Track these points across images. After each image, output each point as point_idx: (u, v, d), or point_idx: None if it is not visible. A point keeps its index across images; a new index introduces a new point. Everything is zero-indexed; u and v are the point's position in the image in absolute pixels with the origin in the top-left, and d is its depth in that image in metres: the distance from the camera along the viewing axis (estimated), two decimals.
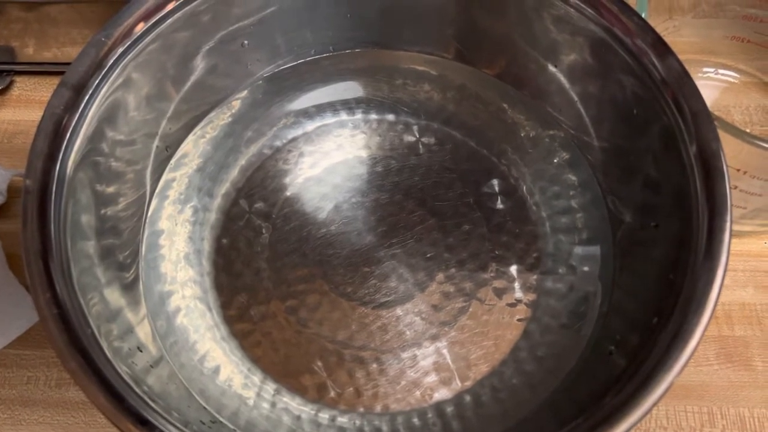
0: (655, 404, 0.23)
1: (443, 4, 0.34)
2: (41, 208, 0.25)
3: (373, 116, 0.37)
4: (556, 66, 0.33)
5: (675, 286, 0.25)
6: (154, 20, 0.29)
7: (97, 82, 0.28)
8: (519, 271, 0.33)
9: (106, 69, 0.28)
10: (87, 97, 0.27)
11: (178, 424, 0.23)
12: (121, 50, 0.28)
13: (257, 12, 0.33)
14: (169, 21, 0.29)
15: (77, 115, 0.27)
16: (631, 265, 0.30)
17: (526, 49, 0.33)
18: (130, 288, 0.30)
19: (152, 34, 0.29)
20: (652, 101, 0.28)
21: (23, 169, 0.26)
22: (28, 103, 0.41)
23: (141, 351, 0.28)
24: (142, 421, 0.22)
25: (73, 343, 0.23)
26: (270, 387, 0.30)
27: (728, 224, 0.25)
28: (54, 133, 0.26)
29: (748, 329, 0.34)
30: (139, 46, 0.29)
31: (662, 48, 0.28)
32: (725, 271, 0.24)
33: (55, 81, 0.40)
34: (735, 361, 0.34)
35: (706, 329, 0.23)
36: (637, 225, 0.31)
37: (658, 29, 0.29)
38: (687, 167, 0.27)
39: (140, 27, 0.28)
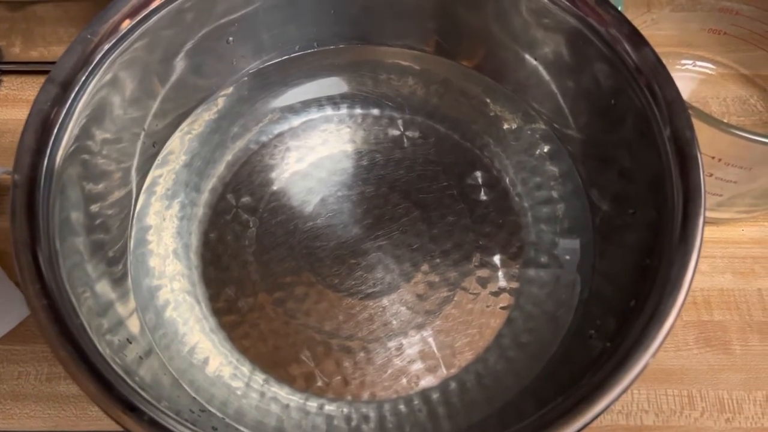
0: (632, 383, 0.23)
1: None
2: (29, 202, 0.25)
3: (358, 111, 0.37)
4: (535, 58, 0.33)
5: (651, 270, 0.26)
6: (140, 17, 0.29)
7: (83, 78, 0.28)
8: (502, 261, 0.33)
9: (92, 66, 0.28)
10: (74, 94, 0.28)
11: (169, 412, 0.23)
12: (107, 47, 0.28)
13: (241, 8, 0.33)
14: (155, 18, 0.30)
15: (64, 111, 0.27)
16: (611, 251, 0.31)
17: (505, 42, 0.34)
18: (119, 282, 0.31)
19: (138, 32, 0.29)
20: (628, 91, 0.29)
21: (11, 167, 0.26)
22: (15, 102, 0.41)
23: (131, 343, 0.28)
24: (132, 408, 0.22)
25: (63, 333, 0.23)
26: (259, 377, 0.31)
27: (702, 209, 0.25)
28: (41, 128, 0.26)
29: (726, 314, 0.35)
30: (125, 43, 0.29)
31: (637, 39, 0.29)
32: (699, 254, 0.25)
33: (41, 80, 0.40)
34: (714, 345, 0.34)
35: (681, 310, 0.24)
36: (616, 213, 0.31)
37: (636, 22, 0.29)
38: (662, 155, 0.27)
39: (126, 24, 0.29)
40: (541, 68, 0.33)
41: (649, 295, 0.25)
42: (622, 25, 0.29)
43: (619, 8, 0.30)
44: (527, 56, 0.34)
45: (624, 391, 0.23)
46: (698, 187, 0.26)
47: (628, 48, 0.29)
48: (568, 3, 0.30)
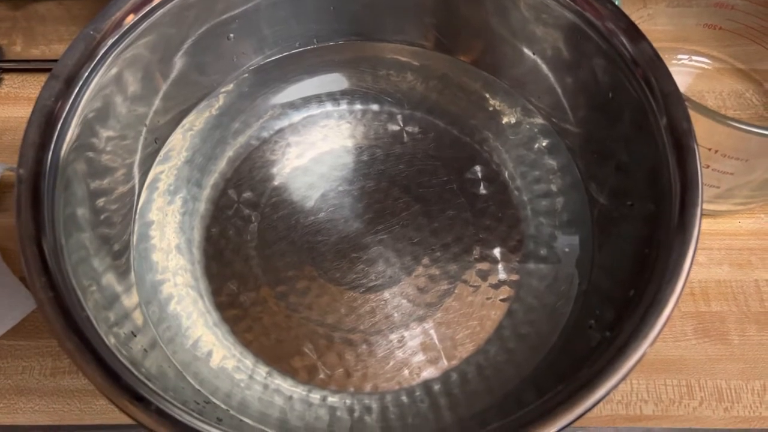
0: (630, 371, 0.24)
1: None
2: (34, 196, 0.25)
3: (358, 106, 0.37)
4: (534, 53, 0.34)
5: (650, 260, 0.26)
6: (143, 13, 0.29)
7: (87, 74, 0.28)
8: (502, 254, 0.34)
9: (95, 61, 0.28)
10: (77, 89, 0.28)
11: (175, 402, 0.24)
12: (110, 43, 0.29)
13: (242, 5, 0.33)
14: (158, 14, 0.30)
15: (68, 106, 0.27)
16: (609, 243, 0.32)
17: (504, 37, 0.34)
18: (124, 275, 0.31)
19: (141, 28, 0.30)
20: (626, 84, 0.29)
21: (14, 164, 0.27)
22: (17, 101, 0.41)
23: (136, 335, 0.29)
24: (139, 398, 0.23)
25: (70, 325, 0.23)
26: (262, 370, 0.31)
27: (699, 198, 0.26)
28: (45, 123, 0.27)
29: (723, 305, 0.35)
30: (128, 39, 0.29)
31: (634, 32, 0.29)
32: (697, 242, 0.25)
33: (43, 78, 0.40)
34: (712, 335, 0.35)
35: (679, 299, 0.24)
36: (614, 205, 0.32)
37: (633, 18, 0.30)
38: (659, 147, 0.28)
39: (129, 20, 0.29)
40: (539, 63, 0.34)
41: (648, 284, 0.25)
42: (619, 20, 0.29)
43: (617, 3, 0.30)
44: (526, 51, 0.34)
45: (623, 379, 0.23)
46: (695, 177, 0.26)
47: (625, 42, 0.29)
48: None
